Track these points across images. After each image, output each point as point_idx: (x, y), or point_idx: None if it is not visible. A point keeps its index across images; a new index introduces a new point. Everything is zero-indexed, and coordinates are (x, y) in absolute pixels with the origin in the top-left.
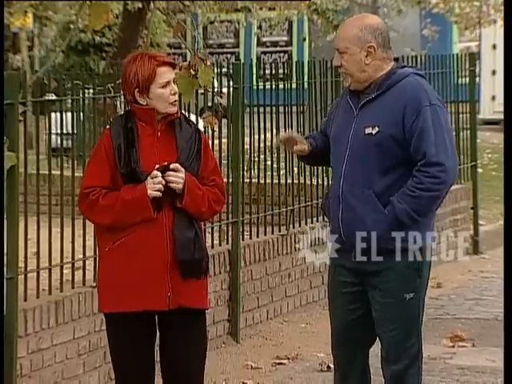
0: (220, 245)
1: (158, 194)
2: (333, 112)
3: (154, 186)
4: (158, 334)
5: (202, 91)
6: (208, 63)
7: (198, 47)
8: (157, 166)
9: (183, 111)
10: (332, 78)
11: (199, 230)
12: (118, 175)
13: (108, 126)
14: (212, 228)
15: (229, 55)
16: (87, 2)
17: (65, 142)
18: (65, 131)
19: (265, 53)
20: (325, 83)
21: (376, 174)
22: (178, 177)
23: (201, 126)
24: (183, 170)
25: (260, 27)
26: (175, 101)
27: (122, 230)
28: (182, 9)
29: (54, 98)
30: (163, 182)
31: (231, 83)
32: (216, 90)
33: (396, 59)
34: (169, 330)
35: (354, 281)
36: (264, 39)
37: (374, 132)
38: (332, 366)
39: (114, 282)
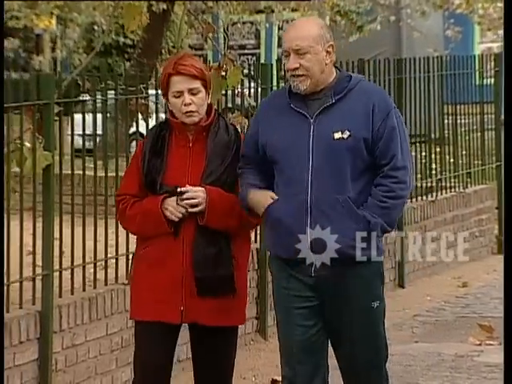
0: None
1: (175, 218)
2: (258, 125)
3: (170, 214)
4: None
5: (223, 92)
6: (237, 64)
7: (219, 48)
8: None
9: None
10: None
11: (226, 246)
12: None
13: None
14: None
15: (250, 56)
16: (120, 3)
17: (89, 143)
18: (88, 132)
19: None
20: None
21: (349, 179)
22: (195, 199)
23: None
24: (201, 189)
25: (281, 28)
26: (189, 112)
27: (147, 240)
28: (206, 10)
29: (87, 98)
30: (179, 210)
31: (253, 84)
32: (239, 90)
33: (335, 66)
34: (196, 344)
35: (311, 295)
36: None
37: (345, 136)
38: None
39: (138, 291)
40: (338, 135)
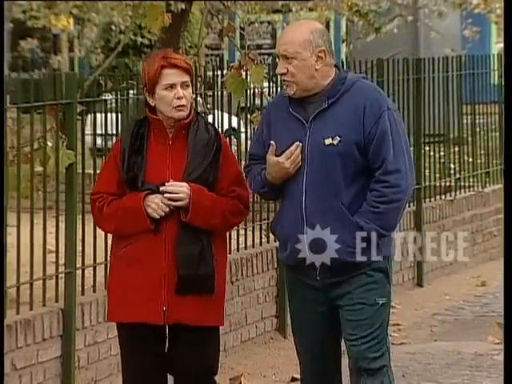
0: (268, 242)
1: (157, 216)
2: (264, 128)
3: (152, 211)
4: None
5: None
6: (258, 63)
7: (237, 48)
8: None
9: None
10: (371, 78)
11: (208, 244)
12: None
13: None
14: (260, 226)
15: (266, 56)
16: (142, 3)
17: (111, 142)
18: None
19: None
20: None
21: (342, 184)
22: (179, 194)
23: (234, 124)
24: (185, 184)
25: None
26: (181, 106)
27: (127, 239)
28: (224, 10)
29: (109, 97)
30: (161, 207)
31: (271, 84)
32: (258, 90)
33: (336, 66)
34: (173, 344)
35: (319, 299)
36: None
37: (335, 142)
38: None
39: (116, 291)
40: (328, 141)
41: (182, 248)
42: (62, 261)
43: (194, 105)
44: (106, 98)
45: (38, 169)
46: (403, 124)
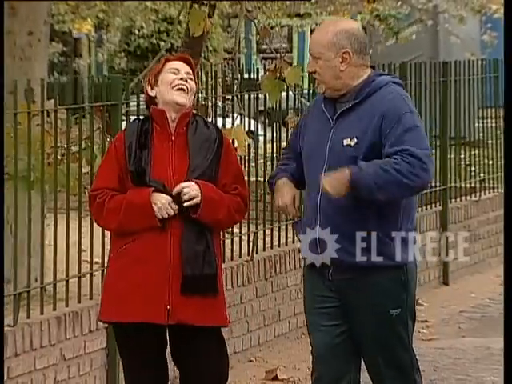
0: (293, 242)
1: (160, 216)
2: (303, 122)
3: (159, 211)
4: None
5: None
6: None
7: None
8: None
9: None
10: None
11: (211, 243)
12: (126, 176)
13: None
14: (286, 226)
15: (278, 60)
16: (186, 9)
17: None
18: None
19: None
20: None
21: None
22: (191, 195)
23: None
24: (192, 184)
25: (313, 32)
26: (181, 88)
27: (129, 236)
28: (247, 14)
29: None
30: (168, 209)
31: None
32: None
33: (372, 67)
34: (178, 345)
35: (333, 296)
36: None
37: (352, 143)
38: None
39: (116, 290)
40: (346, 141)
41: (187, 246)
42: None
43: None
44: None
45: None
46: (424, 130)
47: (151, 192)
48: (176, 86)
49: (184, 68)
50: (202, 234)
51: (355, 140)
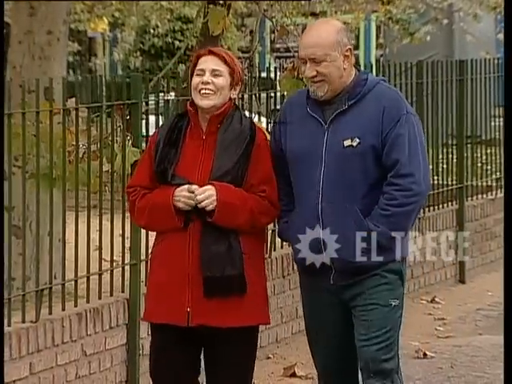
0: None
1: (185, 207)
2: (279, 127)
3: (184, 205)
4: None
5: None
6: None
7: (266, 51)
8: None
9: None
10: (411, 80)
11: (235, 243)
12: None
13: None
14: None
15: (295, 59)
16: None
17: None
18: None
19: None
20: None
21: (359, 187)
22: (206, 198)
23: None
24: (209, 187)
25: None
26: (205, 92)
27: (158, 236)
28: (265, 13)
29: (172, 97)
30: (190, 199)
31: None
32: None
33: (354, 65)
34: (209, 347)
35: (333, 301)
36: None
37: (354, 144)
38: (428, 353)
39: (149, 291)
40: (347, 143)
41: (205, 248)
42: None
43: (234, 99)
44: (170, 98)
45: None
46: (422, 129)
47: (173, 190)
48: (199, 92)
49: (211, 64)
50: (223, 234)
51: (357, 140)
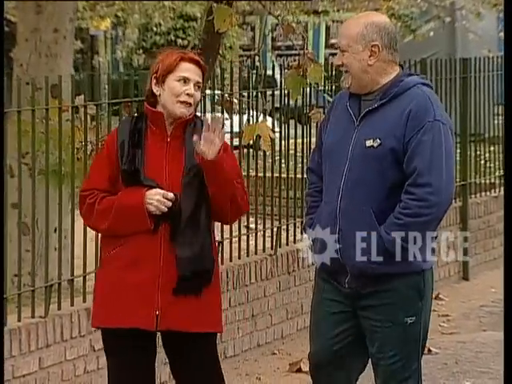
0: None
1: (156, 211)
2: (327, 117)
3: (155, 209)
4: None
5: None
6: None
7: (268, 49)
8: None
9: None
10: None
11: (206, 245)
12: (118, 176)
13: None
14: None
15: (297, 57)
16: (210, 4)
17: None
18: None
19: (333, 54)
20: None
21: (377, 190)
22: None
23: (269, 123)
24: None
25: (328, 29)
26: (188, 103)
27: (119, 239)
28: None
29: None
30: (164, 202)
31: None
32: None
33: (401, 65)
34: (172, 353)
35: (343, 301)
36: (333, 41)
37: (375, 145)
38: (433, 349)
39: (106, 294)
40: (369, 143)
41: (181, 249)
42: None
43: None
44: None
45: None
46: (451, 138)
47: (145, 192)
48: (182, 101)
49: (195, 75)
50: (194, 236)
51: (378, 141)
